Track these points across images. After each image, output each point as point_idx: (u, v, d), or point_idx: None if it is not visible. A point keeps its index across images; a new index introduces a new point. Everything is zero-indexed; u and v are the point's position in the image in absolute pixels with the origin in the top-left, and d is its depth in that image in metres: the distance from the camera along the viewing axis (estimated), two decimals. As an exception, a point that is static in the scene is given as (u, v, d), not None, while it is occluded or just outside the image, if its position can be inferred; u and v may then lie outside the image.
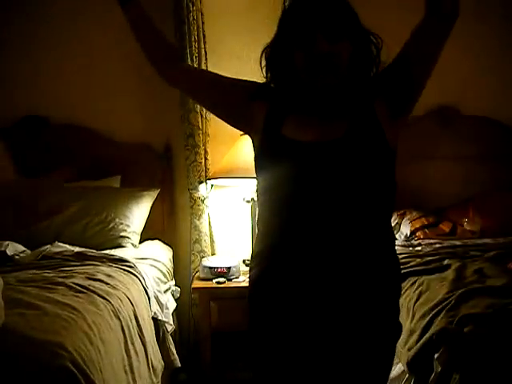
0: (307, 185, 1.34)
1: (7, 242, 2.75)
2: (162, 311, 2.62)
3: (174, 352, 2.65)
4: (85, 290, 2.08)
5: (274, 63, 1.45)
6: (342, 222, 1.32)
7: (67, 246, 2.84)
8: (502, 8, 3.54)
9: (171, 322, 2.69)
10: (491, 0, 3.54)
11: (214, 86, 1.55)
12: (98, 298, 2.05)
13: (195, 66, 3.23)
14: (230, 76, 1.58)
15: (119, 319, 2.04)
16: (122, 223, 3.07)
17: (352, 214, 1.33)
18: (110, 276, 2.35)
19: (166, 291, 2.88)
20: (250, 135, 1.53)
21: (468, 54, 3.54)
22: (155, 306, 2.56)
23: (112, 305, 2.05)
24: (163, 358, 2.53)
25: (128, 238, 3.06)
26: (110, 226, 3.04)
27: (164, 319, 2.59)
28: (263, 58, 1.48)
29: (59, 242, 2.87)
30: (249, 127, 1.52)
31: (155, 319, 2.53)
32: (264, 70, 1.48)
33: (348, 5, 1.39)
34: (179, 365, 2.72)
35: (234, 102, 1.51)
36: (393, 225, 3.28)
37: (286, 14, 1.43)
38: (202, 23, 3.32)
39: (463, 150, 3.52)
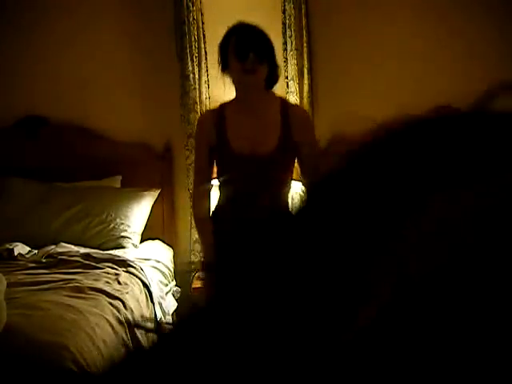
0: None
1: (16, 243, 2.76)
2: (165, 318, 2.63)
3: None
4: (89, 292, 2.08)
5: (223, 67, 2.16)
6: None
7: (72, 246, 2.84)
8: (502, 8, 3.54)
9: (172, 329, 2.69)
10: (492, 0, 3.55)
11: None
12: (102, 299, 2.05)
13: (195, 65, 3.27)
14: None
15: (122, 322, 2.04)
16: (122, 223, 3.07)
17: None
18: (114, 278, 2.35)
19: (167, 293, 2.88)
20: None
21: (468, 53, 3.54)
22: (159, 313, 2.57)
23: (116, 307, 2.05)
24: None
25: (129, 238, 3.06)
26: (111, 226, 3.04)
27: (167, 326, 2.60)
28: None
29: (59, 242, 2.87)
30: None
31: (159, 324, 2.53)
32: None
33: (269, 41, 2.11)
34: None
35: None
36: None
37: (229, 36, 2.11)
38: (202, 23, 3.33)
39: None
